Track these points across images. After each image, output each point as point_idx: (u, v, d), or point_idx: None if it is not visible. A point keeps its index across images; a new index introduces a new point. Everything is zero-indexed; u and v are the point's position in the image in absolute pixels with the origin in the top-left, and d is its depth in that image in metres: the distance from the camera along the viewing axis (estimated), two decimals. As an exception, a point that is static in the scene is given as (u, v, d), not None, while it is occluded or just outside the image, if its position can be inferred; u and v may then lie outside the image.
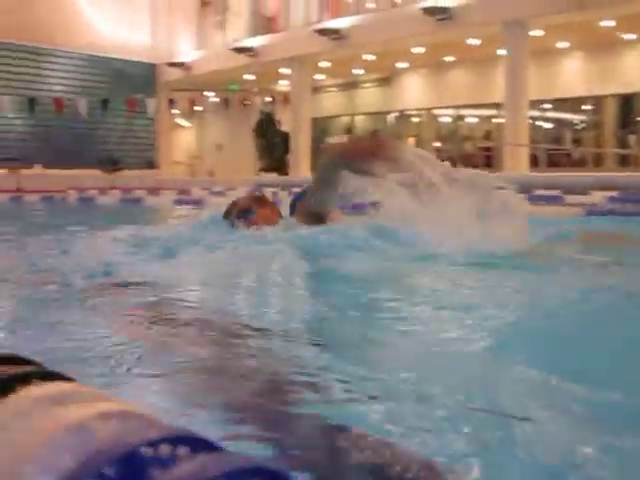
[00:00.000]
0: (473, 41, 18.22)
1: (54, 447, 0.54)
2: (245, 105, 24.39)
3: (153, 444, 0.50)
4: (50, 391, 0.62)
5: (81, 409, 0.58)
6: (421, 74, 23.13)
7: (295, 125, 21.58)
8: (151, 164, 24.95)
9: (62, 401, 0.60)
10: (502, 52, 16.85)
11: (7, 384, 0.63)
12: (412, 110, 24.08)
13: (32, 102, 21.35)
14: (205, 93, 25.54)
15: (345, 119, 26.03)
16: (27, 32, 21.53)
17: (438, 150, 22.09)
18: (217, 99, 25.84)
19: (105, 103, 22.65)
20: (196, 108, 25.55)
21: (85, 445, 0.53)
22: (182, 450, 0.51)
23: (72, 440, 0.54)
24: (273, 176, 21.94)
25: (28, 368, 0.69)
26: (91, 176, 18.69)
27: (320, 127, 24.88)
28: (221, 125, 28.35)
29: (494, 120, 21.45)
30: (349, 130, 25.67)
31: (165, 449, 0.51)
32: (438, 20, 16.62)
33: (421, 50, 19.49)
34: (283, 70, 22.40)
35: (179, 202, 9.44)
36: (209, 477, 0.48)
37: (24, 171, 17.62)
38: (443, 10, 16.47)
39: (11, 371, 0.67)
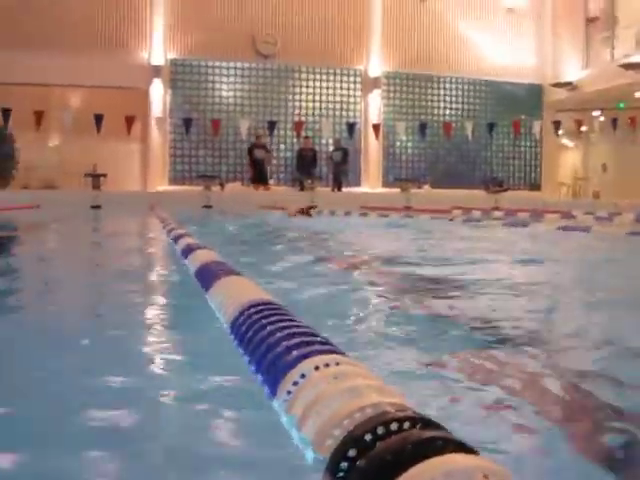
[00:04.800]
0: None
1: None
2: (635, 124, 23.19)
3: None
4: (466, 464, 0.60)
5: None
6: None
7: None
8: (534, 185, 25.03)
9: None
10: None
11: (423, 449, 0.64)
12: None
13: (423, 127, 22.96)
14: (592, 113, 24.89)
15: None
16: (421, 63, 23.31)
17: None
18: (603, 118, 24.97)
19: (491, 126, 23.39)
20: (582, 128, 24.98)
21: None
22: None
23: None
24: (665, 199, 20.58)
25: (438, 433, 0.68)
26: (475, 197, 19.48)
27: None
28: (607, 145, 27.27)
29: None
30: None
31: None
32: None
33: None
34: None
35: (564, 229, 8.70)
36: None
37: (413, 190, 19.10)
38: None
39: (426, 435, 0.67)
